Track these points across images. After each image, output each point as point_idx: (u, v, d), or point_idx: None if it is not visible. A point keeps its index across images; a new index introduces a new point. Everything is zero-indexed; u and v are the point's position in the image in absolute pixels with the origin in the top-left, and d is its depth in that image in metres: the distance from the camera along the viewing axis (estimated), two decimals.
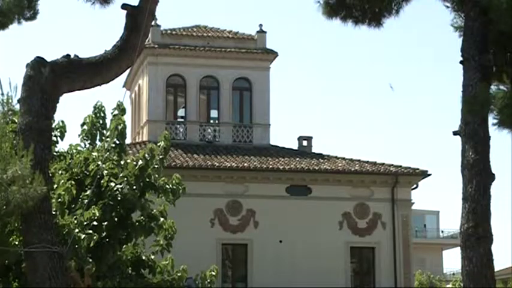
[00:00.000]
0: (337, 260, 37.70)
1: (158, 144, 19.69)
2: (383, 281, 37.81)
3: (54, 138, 18.08)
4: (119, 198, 18.13)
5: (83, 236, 16.55)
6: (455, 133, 14.02)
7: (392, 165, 39.47)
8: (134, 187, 18.49)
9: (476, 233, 13.20)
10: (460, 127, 13.89)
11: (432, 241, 78.35)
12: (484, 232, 13.25)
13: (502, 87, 13.87)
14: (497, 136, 13.73)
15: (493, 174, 13.64)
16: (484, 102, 13.20)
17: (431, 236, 79.35)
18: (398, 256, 38.02)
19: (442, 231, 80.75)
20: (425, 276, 63.56)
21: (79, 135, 19.61)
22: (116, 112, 19.29)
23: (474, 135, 13.66)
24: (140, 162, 18.77)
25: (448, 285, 63.87)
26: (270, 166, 38.02)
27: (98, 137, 19.51)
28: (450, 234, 77.96)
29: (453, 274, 75.67)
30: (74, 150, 19.28)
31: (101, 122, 19.54)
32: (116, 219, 18.18)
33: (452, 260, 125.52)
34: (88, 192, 18.01)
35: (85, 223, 17.14)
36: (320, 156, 40.34)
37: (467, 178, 13.56)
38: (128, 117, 43.30)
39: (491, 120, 13.45)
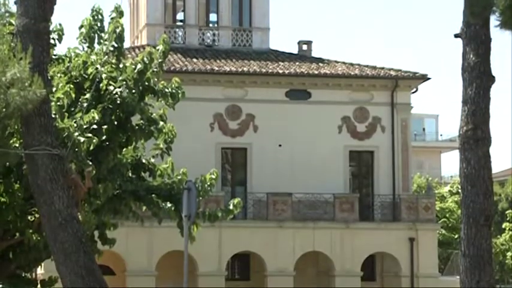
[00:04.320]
0: (336, 163, 37.95)
1: (157, 48, 19.55)
2: (381, 184, 38.14)
3: (52, 41, 17.93)
4: (118, 102, 18.12)
5: (82, 139, 16.58)
6: (456, 36, 13.92)
7: (392, 69, 39.37)
8: (133, 91, 18.46)
9: (475, 135, 13.23)
10: (462, 29, 13.78)
11: (431, 144, 78.75)
12: (483, 134, 13.27)
13: None
14: (499, 38, 13.65)
15: (493, 77, 13.59)
16: (486, 4, 13.05)
17: (430, 139, 79.72)
18: (397, 159, 38.26)
19: (441, 135, 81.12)
20: (424, 179, 64.11)
21: (77, 38, 19.47)
22: (114, 15, 19.09)
23: (475, 38, 13.56)
24: (139, 65, 18.68)
25: (446, 188, 64.47)
26: (270, 70, 37.91)
27: (96, 40, 19.36)
28: (449, 137, 78.32)
29: (451, 177, 76.36)
30: (73, 53, 19.17)
31: (99, 24, 19.36)
32: (115, 122, 18.21)
33: (450, 163, 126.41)
34: (87, 95, 17.97)
35: (84, 126, 17.15)
36: (320, 60, 40.18)
37: (467, 81, 13.52)
38: (126, 21, 43.05)
39: (493, 22, 13.33)
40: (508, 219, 55.03)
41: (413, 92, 39.36)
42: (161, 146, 19.85)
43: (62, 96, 17.31)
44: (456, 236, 51.24)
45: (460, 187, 13.61)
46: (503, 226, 54.89)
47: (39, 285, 21.51)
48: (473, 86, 13.41)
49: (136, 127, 18.67)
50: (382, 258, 38.50)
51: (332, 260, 36.32)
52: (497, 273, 54.39)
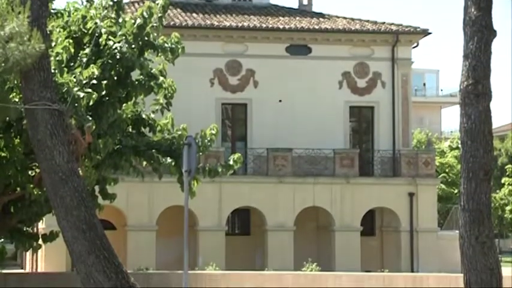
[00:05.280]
0: (337, 119, 37.95)
1: (156, 2, 19.42)
2: (382, 139, 38.16)
3: None
4: (118, 57, 18.04)
5: (82, 95, 16.55)
6: None
7: (393, 23, 39.18)
8: (133, 46, 18.38)
9: (475, 90, 13.18)
10: None
11: (431, 99, 78.64)
12: (484, 89, 13.22)
13: None
14: None
15: (495, 31, 13.50)
16: None
17: (431, 94, 79.59)
18: (397, 115, 38.23)
19: (442, 90, 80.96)
20: (424, 134, 64.15)
21: None
22: None
23: None
24: (138, 20, 18.56)
25: (446, 143, 64.55)
26: (270, 25, 37.73)
27: None
28: (449, 92, 78.19)
29: (451, 132, 76.43)
30: (72, 8, 19.07)
31: None
32: (115, 77, 18.15)
33: (450, 118, 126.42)
34: (87, 50, 17.90)
35: (84, 81, 17.11)
36: (320, 15, 39.98)
37: (468, 35, 13.43)
38: None
39: None
40: (507, 174, 55.23)
41: (414, 47, 39.22)
42: (161, 101, 19.82)
43: (61, 51, 17.25)
44: (456, 191, 51.43)
45: (460, 142, 13.59)
46: (503, 181, 55.10)
47: (40, 240, 21.64)
48: (475, 40, 13.33)
49: (136, 82, 18.62)
50: (382, 213, 38.66)
51: (332, 215, 36.47)
52: (496, 228, 54.71)
